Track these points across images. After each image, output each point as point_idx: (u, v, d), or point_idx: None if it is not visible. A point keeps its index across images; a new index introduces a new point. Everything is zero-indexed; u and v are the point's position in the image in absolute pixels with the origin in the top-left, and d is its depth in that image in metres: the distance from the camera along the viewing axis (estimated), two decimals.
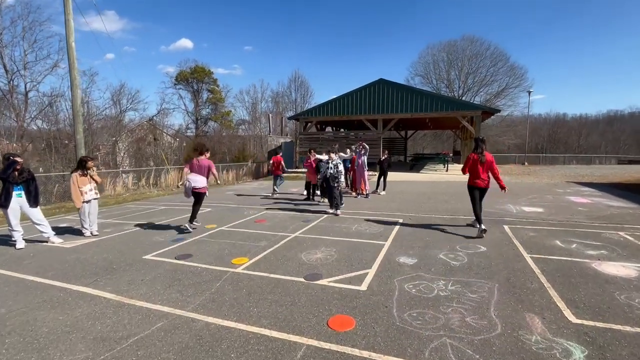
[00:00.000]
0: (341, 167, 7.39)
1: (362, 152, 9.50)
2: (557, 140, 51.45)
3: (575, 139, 51.55)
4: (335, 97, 18.66)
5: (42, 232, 5.49)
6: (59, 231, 6.18)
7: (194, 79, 45.06)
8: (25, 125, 27.39)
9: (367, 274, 3.79)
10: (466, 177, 5.95)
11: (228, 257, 4.53)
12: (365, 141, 19.09)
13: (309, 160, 9.05)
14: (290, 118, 20.96)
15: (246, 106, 50.07)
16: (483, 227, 5.21)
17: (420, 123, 24.35)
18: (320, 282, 3.60)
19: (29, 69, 30.07)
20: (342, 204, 8.17)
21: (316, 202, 8.89)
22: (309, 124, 20.05)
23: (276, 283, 3.60)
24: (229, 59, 75.77)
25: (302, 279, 3.68)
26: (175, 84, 44.79)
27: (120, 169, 22.42)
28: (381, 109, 17.68)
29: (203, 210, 8.40)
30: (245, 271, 3.98)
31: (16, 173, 5.23)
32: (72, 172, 5.99)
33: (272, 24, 78.15)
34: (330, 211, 7.30)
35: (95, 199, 6.07)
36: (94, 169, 6.18)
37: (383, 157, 10.62)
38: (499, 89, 38.71)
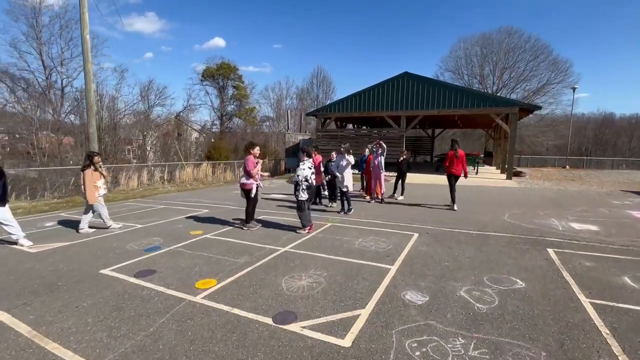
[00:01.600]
0: (310, 177, 5.64)
1: (380, 151, 8.44)
2: (605, 142, 46.85)
3: (625, 141, 46.69)
4: (355, 92, 17.55)
5: (10, 233, 4.99)
6: (68, 225, 5.71)
7: (219, 75, 45.44)
8: (60, 119, 28.62)
9: (357, 317, 2.83)
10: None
11: (195, 277, 3.73)
12: (387, 140, 17.88)
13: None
14: (308, 114, 20.12)
15: (271, 103, 49.92)
16: (456, 207, 7.62)
17: (448, 121, 22.60)
18: (291, 326, 2.69)
19: (65, 65, 31.38)
20: (350, 209, 7.19)
21: (322, 207, 7.95)
22: (328, 120, 19.07)
23: (235, 324, 2.74)
24: (259, 57, 76.24)
25: (269, 320, 2.78)
26: (201, 81, 45.41)
27: (150, 163, 22.66)
28: (405, 105, 16.35)
29: (200, 211, 7.75)
30: (204, 301, 3.15)
31: None
32: (83, 169, 5.79)
33: (301, 21, 77.49)
34: (300, 231, 5.69)
35: (103, 194, 6.06)
36: (100, 164, 6.02)
37: (402, 158, 9.48)
38: (539, 85, 35.57)
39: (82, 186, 5.81)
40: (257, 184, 5.91)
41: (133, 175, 16.40)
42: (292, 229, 5.87)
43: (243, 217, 6.59)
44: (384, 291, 3.32)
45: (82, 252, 4.70)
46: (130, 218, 7.08)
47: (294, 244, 5.00)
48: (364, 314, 2.88)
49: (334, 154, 7.62)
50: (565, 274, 3.76)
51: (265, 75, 73.63)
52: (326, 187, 8.37)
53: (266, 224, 6.36)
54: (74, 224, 6.51)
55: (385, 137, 18.19)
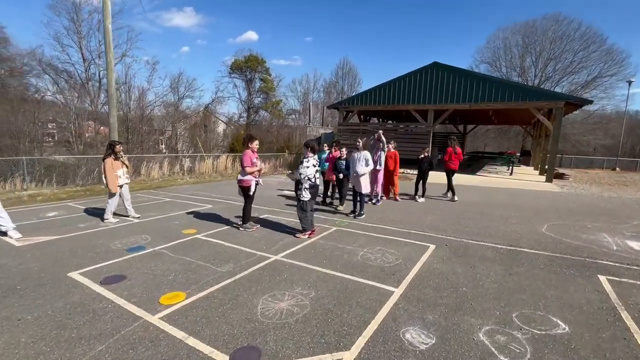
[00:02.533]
0: (314, 176, 4.99)
1: (380, 146, 7.62)
2: None
3: None
4: (380, 83, 16.54)
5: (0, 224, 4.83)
6: (69, 216, 5.56)
7: (247, 67, 45.66)
8: (97, 109, 29.99)
9: None
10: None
11: (164, 288, 3.25)
12: (413, 135, 16.75)
13: (331, 155, 7.43)
14: (329, 107, 19.36)
15: (298, 96, 49.60)
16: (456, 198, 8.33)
17: (481, 116, 20.87)
18: None
19: (102, 57, 32.71)
20: (362, 213, 6.48)
21: (333, 208, 7.29)
22: (350, 113, 18.22)
23: None
24: (290, 50, 75.92)
25: (225, 359, 2.22)
26: (230, 73, 45.87)
27: (169, 154, 23.13)
28: (433, 98, 15.13)
29: (203, 207, 7.38)
30: (161, 323, 2.64)
31: None
32: (104, 158, 5.75)
33: (332, 11, 75.93)
34: (299, 235, 5.12)
35: (127, 183, 6.09)
36: (122, 153, 5.99)
37: (422, 155, 8.56)
38: (589, 77, 32.22)
39: (103, 175, 5.80)
40: (256, 181, 5.38)
41: (154, 166, 16.60)
42: (293, 231, 5.29)
43: (252, 214, 6.12)
44: (379, 325, 2.65)
45: (63, 248, 4.40)
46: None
47: (288, 251, 4.41)
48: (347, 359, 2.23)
49: (343, 150, 6.90)
50: (625, 315, 2.87)
51: (296, 69, 73.46)
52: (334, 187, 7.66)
53: (267, 224, 5.83)
54: (75, 215, 6.37)
55: (410, 133, 17.08)
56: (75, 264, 3.86)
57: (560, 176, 15.26)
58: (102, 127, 29.59)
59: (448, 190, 8.77)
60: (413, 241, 4.94)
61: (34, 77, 34.38)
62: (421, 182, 8.53)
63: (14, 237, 4.83)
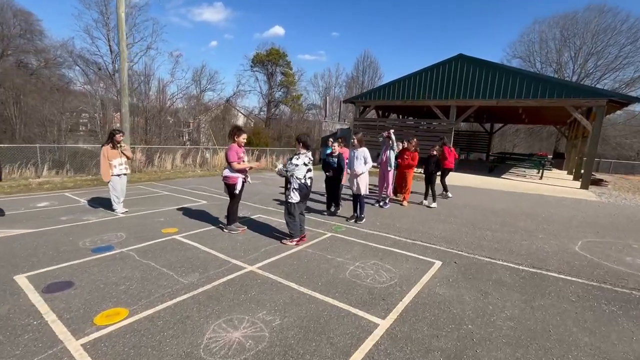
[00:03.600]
0: (305, 177, 4.42)
1: (390, 144, 6.86)
2: None
3: None
4: (399, 77, 15.57)
5: None
6: (57, 207, 5.33)
7: (269, 61, 45.49)
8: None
9: None
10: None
11: (107, 302, 2.79)
12: (433, 133, 15.69)
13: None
14: (345, 101, 18.56)
15: (319, 91, 48.98)
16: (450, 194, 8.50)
17: (510, 114, 19.33)
18: None
19: (128, 49, 33.50)
20: (362, 217, 5.82)
21: (331, 211, 6.53)
22: (367, 108, 17.38)
23: None
24: (316, 45, 75.00)
25: None
26: (251, 67, 45.90)
27: (202, 146, 23.19)
28: (456, 93, 14.02)
29: (198, 202, 6.98)
30: (79, 352, 2.16)
31: None
32: (102, 145, 5.59)
33: (358, 5, 74.17)
34: (285, 241, 4.54)
35: (125, 174, 5.84)
36: (124, 143, 5.78)
37: (431, 153, 7.69)
38: (635, 74, 29.35)
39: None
40: (243, 179, 4.85)
41: (168, 157, 16.58)
42: (282, 236, 4.73)
43: (240, 214, 5.67)
44: None
45: (27, 245, 4.07)
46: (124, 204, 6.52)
47: (268, 260, 3.85)
48: None
49: (335, 145, 6.20)
50: None
51: (321, 64, 72.64)
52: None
53: (256, 226, 5.31)
54: (64, 207, 6.14)
55: (431, 131, 16.05)
56: (29, 264, 3.49)
57: (598, 182, 13.78)
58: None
59: (445, 190, 8.73)
60: (416, 255, 4.24)
61: (66, 68, 35.75)
62: (429, 184, 7.69)
63: None
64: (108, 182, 5.68)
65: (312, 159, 4.63)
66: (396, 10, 71.44)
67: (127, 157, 5.84)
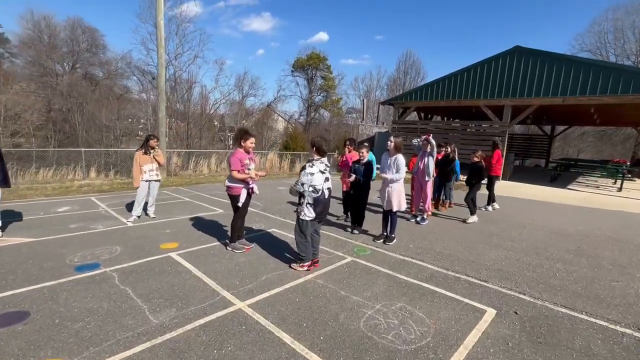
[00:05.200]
0: (322, 187, 3.61)
1: (428, 150, 5.75)
2: None
3: None
4: (444, 75, 14.11)
5: None
6: (74, 213, 5.22)
7: (309, 65, 45.63)
8: (172, 106, 32.68)
9: None
10: None
11: (47, 350, 2.22)
12: (485, 137, 13.90)
13: (344, 159, 5.90)
14: (383, 103, 17.39)
15: (359, 94, 48.11)
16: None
17: (579, 114, 16.66)
18: None
19: (178, 59, 35.56)
20: (393, 237, 4.85)
21: (349, 229, 5.46)
22: (407, 110, 16.07)
23: None
24: (360, 49, 74.17)
25: None
26: (292, 72, 46.38)
27: (220, 150, 23.65)
28: (512, 90, 12.25)
29: (214, 211, 6.50)
30: None
31: None
32: (136, 150, 5.55)
33: (403, 6, 71.99)
34: (295, 266, 3.78)
35: (156, 180, 5.73)
36: (158, 149, 5.64)
37: (474, 159, 6.43)
38: None
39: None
40: (248, 189, 4.18)
41: (203, 162, 16.80)
42: (293, 258, 3.96)
43: (255, 226, 5.05)
44: None
45: (17, 258, 3.76)
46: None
47: (264, 294, 3.09)
48: None
49: (364, 152, 5.25)
50: None
51: (365, 68, 71.57)
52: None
53: (266, 242, 4.60)
54: (82, 212, 6.00)
55: (481, 134, 14.33)
56: (1, 285, 3.11)
57: None
58: (181, 123, 31.85)
59: (490, 202, 7.63)
60: (460, 297, 3.20)
61: (125, 78, 38.95)
62: (468, 194, 6.44)
63: None
64: (137, 188, 5.55)
65: (328, 165, 3.81)
66: (441, 6, 67.88)
67: (159, 163, 5.70)
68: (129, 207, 6.27)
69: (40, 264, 3.63)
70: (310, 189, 3.58)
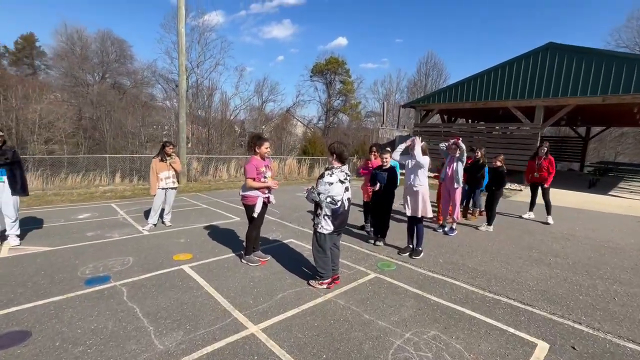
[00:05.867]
0: (342, 197, 3.31)
1: (457, 155, 5.29)
2: None
3: None
4: (469, 76, 13.48)
5: (6, 224, 4.45)
6: (94, 220, 5.23)
7: (327, 70, 45.66)
8: (193, 112, 33.54)
9: None
10: None
11: None
12: (514, 140, 13.10)
13: (368, 165, 5.51)
14: (404, 105, 16.88)
15: (379, 98, 47.64)
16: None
17: (619, 113, 15.40)
18: None
19: (200, 67, 36.47)
20: (420, 250, 4.46)
21: (371, 240, 5.09)
22: (430, 113, 15.48)
23: None
24: (380, 53, 73.60)
25: None
26: (311, 77, 46.55)
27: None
28: (545, 90, 11.48)
29: (231, 219, 6.33)
30: None
31: None
32: (153, 157, 5.48)
33: (423, 8, 70.92)
34: (313, 282, 3.46)
35: (172, 188, 5.61)
36: (175, 156, 5.53)
37: (495, 164, 5.92)
38: None
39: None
40: (265, 198, 3.94)
41: (222, 167, 16.89)
42: (311, 274, 3.66)
43: (272, 236, 4.83)
44: None
45: (28, 269, 3.68)
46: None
47: (280, 316, 2.80)
48: None
49: (387, 157, 4.87)
50: None
51: (384, 71, 70.87)
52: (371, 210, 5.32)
53: (282, 255, 4.33)
54: (101, 219, 5.98)
55: (509, 137, 13.55)
56: (9, 299, 2.99)
57: None
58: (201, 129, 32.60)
59: (549, 213, 6.73)
60: (503, 325, 2.77)
61: (150, 87, 40.40)
62: (489, 202, 5.93)
63: (12, 244, 4.42)
64: (154, 195, 5.49)
65: (349, 174, 3.49)
66: (464, 4, 66.20)
67: (176, 171, 5.60)
68: (147, 214, 6.19)
69: (52, 275, 3.52)
70: (328, 199, 3.28)
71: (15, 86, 24.87)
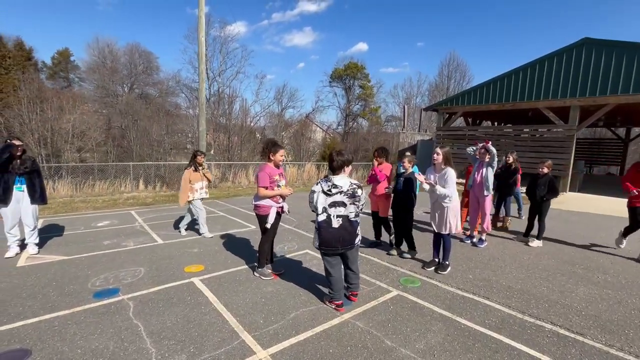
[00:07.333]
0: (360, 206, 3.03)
1: (487, 159, 4.85)
2: None
3: None
4: (494, 76, 12.81)
5: (25, 232, 4.49)
6: (111, 228, 5.28)
7: (346, 75, 45.54)
8: (215, 120, 34.33)
9: None
10: None
11: None
12: (546, 143, 12.24)
13: (373, 172, 5.02)
14: (426, 109, 16.30)
15: (399, 102, 46.97)
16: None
17: None
18: None
19: (222, 75, 37.37)
20: (447, 264, 4.08)
21: (391, 251, 4.73)
22: (453, 116, 14.85)
23: None
24: (400, 57, 72.71)
25: None
26: (330, 82, 46.58)
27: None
28: (580, 89, 10.67)
29: (247, 227, 6.19)
30: None
31: (18, 160, 4.31)
32: (186, 167, 5.36)
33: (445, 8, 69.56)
34: (326, 301, 3.19)
35: (202, 198, 5.45)
36: (205, 165, 5.48)
37: (541, 170, 5.30)
38: None
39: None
40: (278, 208, 3.72)
41: (241, 173, 16.98)
42: (311, 298, 3.38)
43: (287, 246, 4.63)
44: None
45: (41, 280, 3.64)
46: (168, 227, 6.12)
47: (291, 340, 2.55)
48: None
49: (406, 162, 4.49)
50: None
51: (404, 75, 69.79)
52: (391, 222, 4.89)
53: (296, 268, 4.09)
54: (119, 227, 6.01)
55: (541, 140, 12.73)
56: (16, 312, 2.92)
57: None
58: (220, 136, 33.30)
59: (625, 235, 5.13)
60: (545, 357, 2.37)
61: (174, 96, 41.84)
62: (537, 215, 5.34)
63: (30, 253, 4.46)
64: (187, 206, 5.40)
65: (339, 185, 2.96)
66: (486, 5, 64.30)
67: (208, 180, 5.52)
68: (164, 222, 6.18)
69: (63, 287, 3.45)
70: (313, 208, 3.05)
71: (51, 98, 26.41)
